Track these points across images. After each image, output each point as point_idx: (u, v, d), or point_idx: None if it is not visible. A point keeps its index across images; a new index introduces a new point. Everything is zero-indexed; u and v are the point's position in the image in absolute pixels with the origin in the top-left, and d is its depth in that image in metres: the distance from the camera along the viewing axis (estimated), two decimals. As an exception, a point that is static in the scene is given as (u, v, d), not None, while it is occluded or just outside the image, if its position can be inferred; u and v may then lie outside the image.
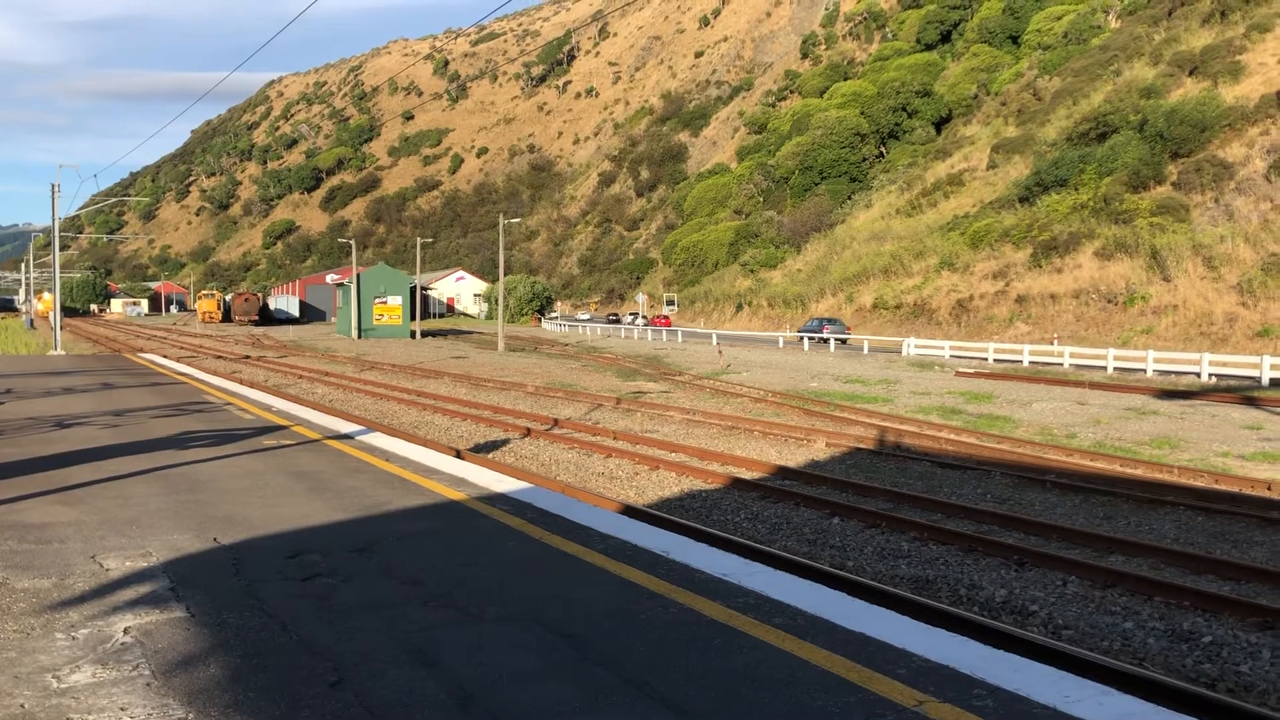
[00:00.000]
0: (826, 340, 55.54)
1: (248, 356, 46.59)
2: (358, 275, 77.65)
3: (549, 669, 4.82)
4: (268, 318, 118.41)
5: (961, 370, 36.96)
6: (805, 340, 55.78)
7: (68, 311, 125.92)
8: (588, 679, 4.69)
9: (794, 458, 17.94)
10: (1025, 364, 39.74)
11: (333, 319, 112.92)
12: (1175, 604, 9.21)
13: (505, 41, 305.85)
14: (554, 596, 6.02)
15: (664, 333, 72.71)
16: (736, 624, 5.51)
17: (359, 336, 74.93)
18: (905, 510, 13.24)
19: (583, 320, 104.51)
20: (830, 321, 59.66)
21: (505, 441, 19.53)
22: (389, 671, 4.76)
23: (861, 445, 19.14)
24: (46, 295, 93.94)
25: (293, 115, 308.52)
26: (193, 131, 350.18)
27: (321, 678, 4.67)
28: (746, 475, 15.65)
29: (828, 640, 5.24)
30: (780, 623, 5.53)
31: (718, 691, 4.55)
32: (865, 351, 49.58)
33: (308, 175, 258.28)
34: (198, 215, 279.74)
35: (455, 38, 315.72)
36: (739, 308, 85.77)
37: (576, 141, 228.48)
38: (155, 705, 4.37)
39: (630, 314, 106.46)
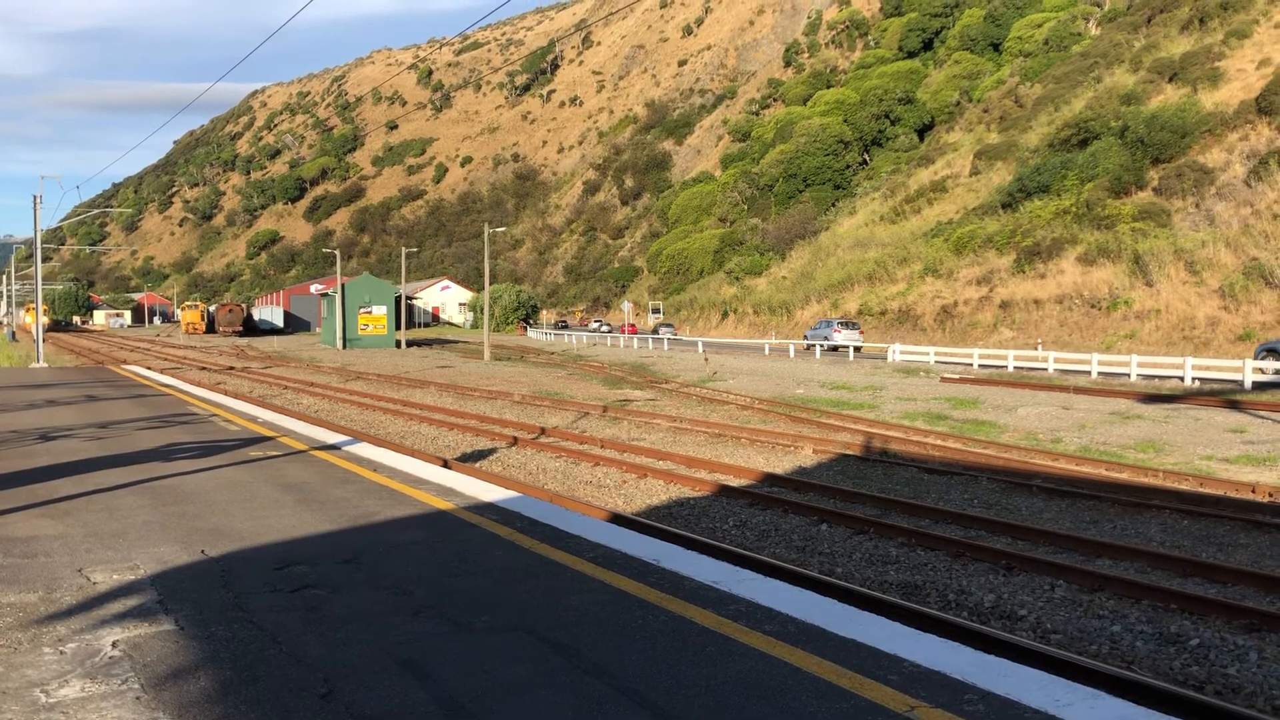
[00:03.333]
0: (663, 338, 72.73)
1: (232, 368, 46.38)
2: (342, 285, 77.43)
3: (540, 679, 4.81)
4: (252, 328, 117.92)
5: (947, 376, 37.08)
6: (659, 337, 73.70)
7: (50, 324, 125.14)
8: (579, 689, 4.69)
9: (781, 464, 17.97)
10: (1010, 369, 39.88)
11: (317, 329, 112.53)
12: (1162, 607, 9.25)
13: (489, 51, 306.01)
14: (544, 606, 6.01)
15: (649, 340, 72.74)
16: (727, 632, 5.51)
17: (344, 347, 74.70)
18: (893, 516, 13.27)
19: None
20: (667, 325, 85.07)
21: (492, 450, 19.49)
22: (379, 683, 4.74)
23: (848, 451, 19.18)
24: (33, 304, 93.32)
25: (276, 125, 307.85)
26: (175, 142, 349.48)
27: (312, 689, 4.65)
28: (734, 482, 15.66)
29: (819, 647, 5.24)
30: (771, 630, 5.53)
31: (710, 700, 4.55)
32: (851, 358, 49.68)
33: (291, 185, 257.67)
34: (181, 226, 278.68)
35: (439, 47, 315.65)
36: (724, 315, 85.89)
37: (561, 150, 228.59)
38: (145, 719, 4.34)
39: (596, 320, 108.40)
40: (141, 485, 10.26)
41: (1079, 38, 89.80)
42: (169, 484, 10.36)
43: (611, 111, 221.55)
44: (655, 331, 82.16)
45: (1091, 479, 15.99)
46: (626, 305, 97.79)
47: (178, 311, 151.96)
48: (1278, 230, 43.55)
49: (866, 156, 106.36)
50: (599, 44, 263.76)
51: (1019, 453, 19.12)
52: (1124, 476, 16.53)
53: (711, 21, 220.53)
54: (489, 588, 6.43)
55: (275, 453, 12.87)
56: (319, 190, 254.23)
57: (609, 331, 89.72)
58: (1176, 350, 39.47)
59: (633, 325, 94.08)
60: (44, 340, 48.95)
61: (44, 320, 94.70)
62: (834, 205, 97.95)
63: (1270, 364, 30.95)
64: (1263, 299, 40.51)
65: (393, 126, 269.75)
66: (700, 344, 64.97)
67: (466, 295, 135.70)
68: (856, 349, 52.11)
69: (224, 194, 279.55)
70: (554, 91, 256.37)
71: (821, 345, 54.66)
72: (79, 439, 14.20)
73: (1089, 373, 36.26)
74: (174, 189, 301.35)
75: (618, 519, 12.32)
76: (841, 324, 56.09)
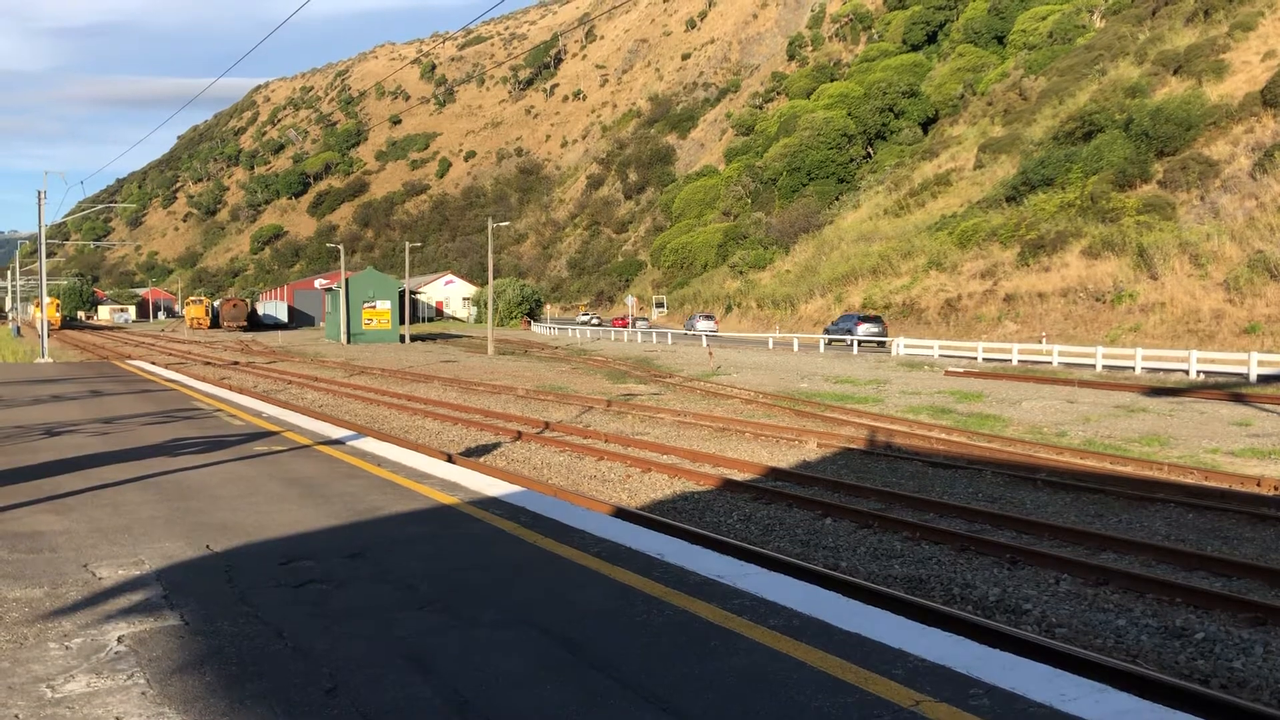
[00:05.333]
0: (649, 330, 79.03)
1: (236, 362, 46.44)
2: (346, 280, 77.44)
3: (545, 673, 4.81)
4: (256, 323, 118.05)
5: (951, 370, 37.04)
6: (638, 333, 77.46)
7: (63, 321, 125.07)
8: (584, 683, 4.69)
9: (785, 459, 17.96)
10: (1014, 363, 39.84)
11: (321, 324, 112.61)
12: (1167, 601, 9.24)
13: (492, 45, 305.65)
14: (549, 600, 6.01)
15: (654, 334, 72.97)
16: (732, 626, 5.51)
17: (348, 341, 74.73)
18: (897, 510, 13.26)
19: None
20: (643, 319, 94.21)
21: (497, 445, 19.51)
22: (385, 677, 4.75)
23: (852, 445, 19.17)
24: (47, 299, 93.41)
25: (280, 120, 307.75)
26: (179, 137, 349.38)
27: (317, 684, 4.66)
28: (738, 477, 15.66)
29: (823, 641, 5.24)
30: (775, 624, 5.53)
31: (715, 694, 4.55)
32: (855, 351, 49.65)
33: (295, 180, 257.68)
34: (185, 221, 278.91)
35: (442, 42, 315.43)
36: (729, 309, 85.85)
37: (564, 144, 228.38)
38: (151, 713, 4.35)
39: (583, 315, 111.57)
40: (146, 480, 10.27)
41: (1083, 30, 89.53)
42: (174, 479, 10.37)
43: (615, 105, 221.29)
44: (632, 325, 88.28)
45: (1096, 472, 15.97)
46: (630, 300, 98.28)
47: (182, 307, 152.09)
48: (1283, 223, 43.42)
49: (870, 150, 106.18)
50: (602, 38, 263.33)
51: (1023, 446, 19.10)
52: (1129, 470, 16.51)
53: (715, 15, 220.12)
54: (494, 582, 6.43)
55: (280, 448, 12.88)
56: (322, 185, 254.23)
57: (599, 325, 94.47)
58: (1181, 343, 39.39)
59: (623, 319, 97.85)
60: (50, 336, 49.04)
61: (56, 316, 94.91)
62: (838, 199, 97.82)
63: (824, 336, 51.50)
64: (1268, 292, 40.41)
65: (396, 121, 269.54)
66: (704, 338, 64.97)
67: (470, 290, 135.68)
68: (714, 333, 70.55)
69: (228, 189, 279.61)
70: (557, 86, 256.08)
71: (692, 332, 71.47)
72: (84, 434, 14.22)
73: (1093, 366, 36.22)
74: (178, 184, 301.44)
75: (622, 513, 12.32)
76: (704, 317, 76.89)
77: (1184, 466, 16.55)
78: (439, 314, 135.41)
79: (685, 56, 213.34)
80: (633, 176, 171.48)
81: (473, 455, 17.89)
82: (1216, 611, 8.88)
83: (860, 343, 52.29)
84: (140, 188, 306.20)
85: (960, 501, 13.85)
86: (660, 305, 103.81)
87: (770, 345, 58.16)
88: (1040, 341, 44.71)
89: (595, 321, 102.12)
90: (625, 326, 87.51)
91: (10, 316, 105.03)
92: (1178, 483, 15.13)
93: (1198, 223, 47.50)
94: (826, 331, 57.42)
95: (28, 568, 6.76)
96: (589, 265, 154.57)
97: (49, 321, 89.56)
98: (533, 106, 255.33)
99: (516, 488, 9.98)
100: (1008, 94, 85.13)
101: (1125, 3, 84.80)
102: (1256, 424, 21.83)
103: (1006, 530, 12.18)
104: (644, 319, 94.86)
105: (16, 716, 4.31)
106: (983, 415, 24.29)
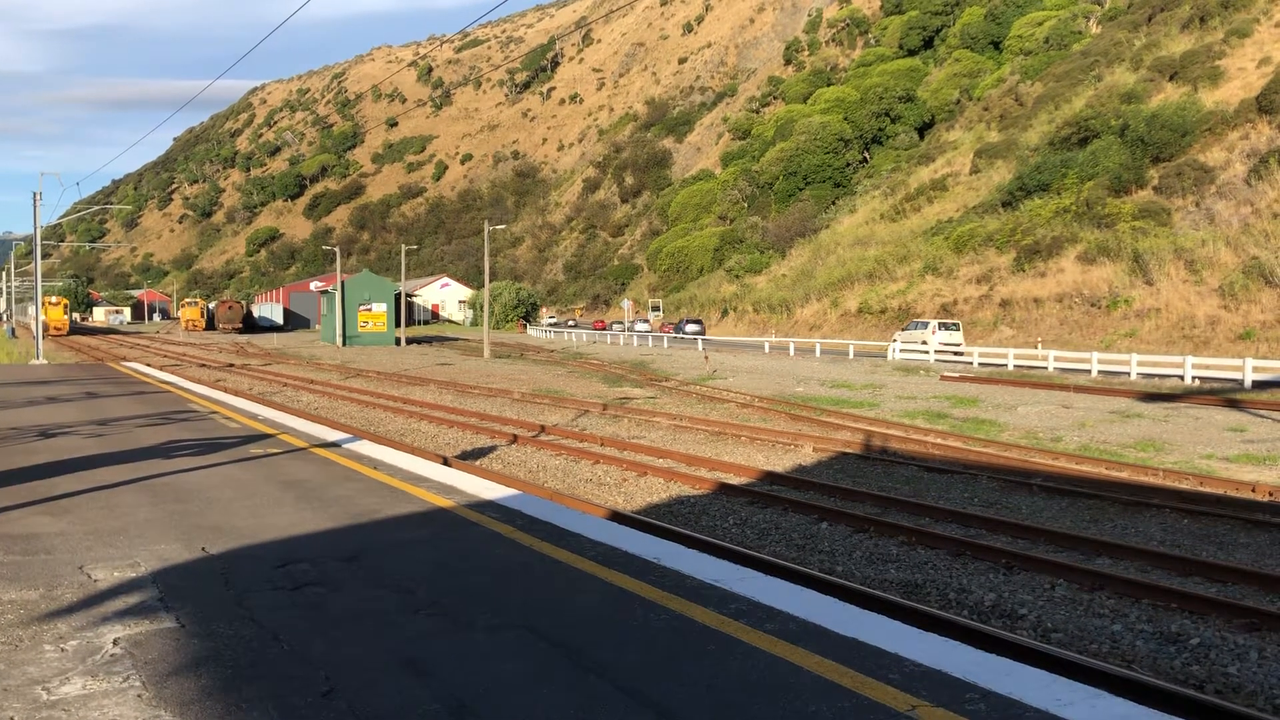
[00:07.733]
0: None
1: (232, 365, 46.37)
2: (342, 282, 77.35)
3: (542, 677, 4.81)
4: (252, 326, 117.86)
5: (947, 374, 37.07)
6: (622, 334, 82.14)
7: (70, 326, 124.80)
8: (581, 687, 4.69)
9: (781, 463, 17.97)
10: (1010, 367, 39.88)
11: (317, 326, 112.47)
12: (1163, 606, 9.25)
13: (489, 48, 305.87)
14: (545, 604, 6.01)
15: (649, 338, 73.10)
16: (729, 630, 5.51)
17: (344, 344, 74.65)
18: (893, 514, 13.27)
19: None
20: (618, 322, 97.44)
21: (492, 448, 19.49)
22: (381, 681, 4.74)
23: (848, 450, 19.17)
24: (53, 299, 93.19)
25: (276, 122, 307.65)
26: (175, 139, 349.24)
27: (314, 688, 4.65)
28: (734, 480, 15.66)
29: (820, 646, 5.24)
30: (772, 629, 5.53)
31: (712, 699, 4.55)
32: (851, 356, 49.69)
33: (291, 182, 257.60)
34: (180, 223, 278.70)
35: (439, 44, 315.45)
36: (724, 313, 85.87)
37: (561, 148, 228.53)
38: (147, 716, 4.34)
39: (550, 317, 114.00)
40: (142, 482, 10.25)
41: (1079, 36, 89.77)
42: (169, 481, 10.36)
43: (612, 109, 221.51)
44: (609, 328, 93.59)
45: (1091, 478, 15.99)
46: (626, 303, 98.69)
47: (178, 308, 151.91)
48: (1278, 229, 43.54)
49: (867, 154, 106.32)
50: (599, 41, 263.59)
51: (1019, 451, 19.12)
52: (1124, 475, 16.53)
53: (712, 19, 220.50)
54: (490, 586, 6.43)
55: (276, 450, 12.87)
56: (319, 187, 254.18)
57: (574, 327, 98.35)
58: (1176, 349, 39.45)
59: (601, 321, 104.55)
60: (48, 339, 48.96)
61: (64, 319, 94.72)
62: (834, 203, 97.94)
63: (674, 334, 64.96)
64: (1263, 298, 40.51)
65: (393, 124, 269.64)
66: (700, 342, 65.04)
67: (466, 293, 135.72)
68: (645, 333, 79.52)
69: (224, 191, 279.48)
70: (554, 89, 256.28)
71: (627, 333, 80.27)
72: (79, 436, 14.19)
73: (1089, 371, 36.26)
74: (174, 186, 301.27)
75: (618, 517, 12.32)
76: (641, 320, 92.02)
77: (1179, 472, 16.58)
78: (435, 317, 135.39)
79: (682, 61, 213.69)
80: (629, 180, 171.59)
81: (469, 458, 17.88)
82: (1211, 617, 8.89)
83: (695, 338, 68.37)
84: (136, 189, 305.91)
85: (956, 506, 13.86)
86: (656, 309, 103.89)
87: (766, 349, 58.21)
88: (1036, 346, 44.77)
89: (571, 324, 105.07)
90: (603, 329, 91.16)
91: (4, 318, 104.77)
92: (1173, 488, 15.15)
93: (1193, 229, 47.61)
94: (675, 330, 74.78)
95: (23, 570, 6.75)
96: (585, 269, 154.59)
97: (57, 325, 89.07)
98: (529, 110, 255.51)
99: (512, 491, 9.98)
100: (1004, 99, 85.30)
101: (1121, 9, 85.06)
102: (1251, 430, 21.87)
103: (1002, 535, 12.18)
104: (619, 321, 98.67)
105: (12, 719, 4.31)
106: (978, 420, 24.31)
